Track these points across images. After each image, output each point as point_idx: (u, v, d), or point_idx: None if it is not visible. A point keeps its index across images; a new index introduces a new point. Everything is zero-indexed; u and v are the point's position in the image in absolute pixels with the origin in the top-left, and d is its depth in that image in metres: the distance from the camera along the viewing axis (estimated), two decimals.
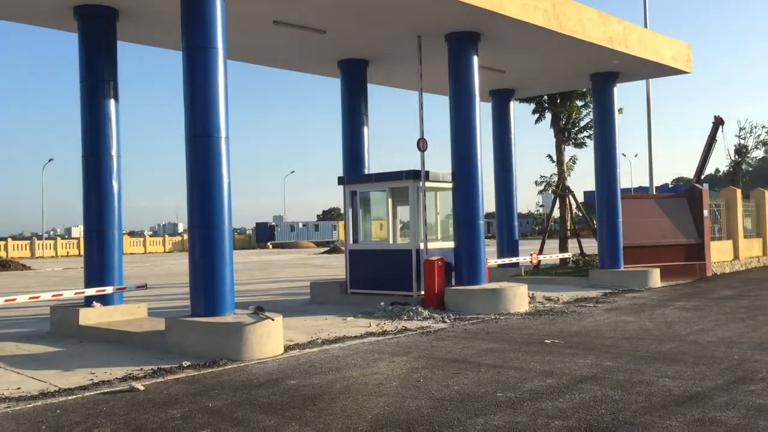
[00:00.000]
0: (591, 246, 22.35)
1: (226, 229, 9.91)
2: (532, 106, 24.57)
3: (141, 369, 8.50)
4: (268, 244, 71.40)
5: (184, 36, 10.01)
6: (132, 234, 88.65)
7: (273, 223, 76.91)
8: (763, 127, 51.94)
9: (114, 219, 11.67)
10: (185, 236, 69.19)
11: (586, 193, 46.41)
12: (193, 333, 9.46)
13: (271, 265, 34.76)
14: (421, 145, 13.95)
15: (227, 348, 9.08)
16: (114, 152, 11.67)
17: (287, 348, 9.73)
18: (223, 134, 9.90)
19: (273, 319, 9.43)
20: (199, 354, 9.15)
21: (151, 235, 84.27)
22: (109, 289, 11.45)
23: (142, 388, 7.50)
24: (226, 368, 8.53)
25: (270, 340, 9.34)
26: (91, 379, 8.00)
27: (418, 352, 9.32)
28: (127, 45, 13.73)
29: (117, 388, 7.57)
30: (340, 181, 15.66)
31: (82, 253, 18.51)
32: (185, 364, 8.68)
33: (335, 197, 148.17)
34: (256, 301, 14.93)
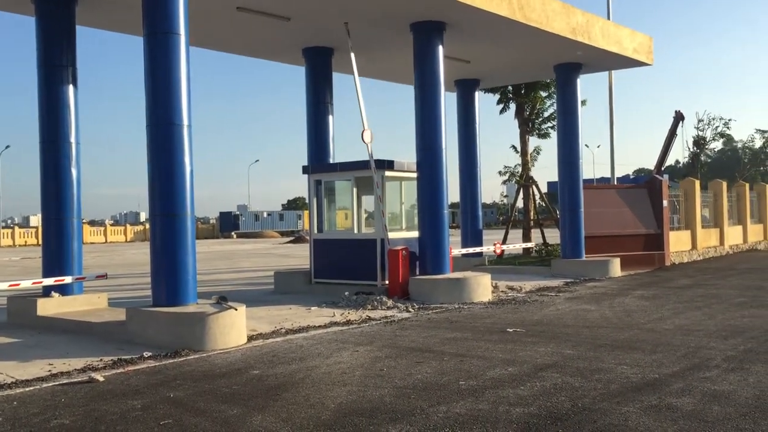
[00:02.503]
0: (554, 236, 22.61)
1: (188, 217, 9.79)
2: (497, 96, 24.69)
3: (101, 360, 8.37)
4: (232, 233, 70.81)
5: (146, 21, 9.83)
6: (92, 223, 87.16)
7: (237, 213, 76.28)
8: (721, 119, 52.98)
9: (73, 207, 11.45)
10: (147, 225, 68.21)
11: (550, 184, 46.92)
12: (155, 323, 9.35)
13: (235, 255, 34.50)
14: (365, 136, 13.70)
15: (189, 338, 8.99)
16: (73, 139, 11.44)
17: (250, 338, 9.68)
18: (185, 122, 9.76)
19: (236, 309, 9.37)
20: (160, 344, 9.04)
21: (112, 224, 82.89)
22: (68, 279, 11.25)
23: (101, 379, 7.39)
24: (188, 359, 8.45)
25: (233, 330, 9.28)
26: (50, 371, 7.86)
27: (382, 342, 9.34)
28: (89, 29, 13.44)
29: (76, 380, 7.45)
30: (305, 170, 15.58)
31: (40, 242, 18.13)
32: (146, 354, 8.57)
33: (300, 186, 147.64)
34: (219, 291, 14.81)
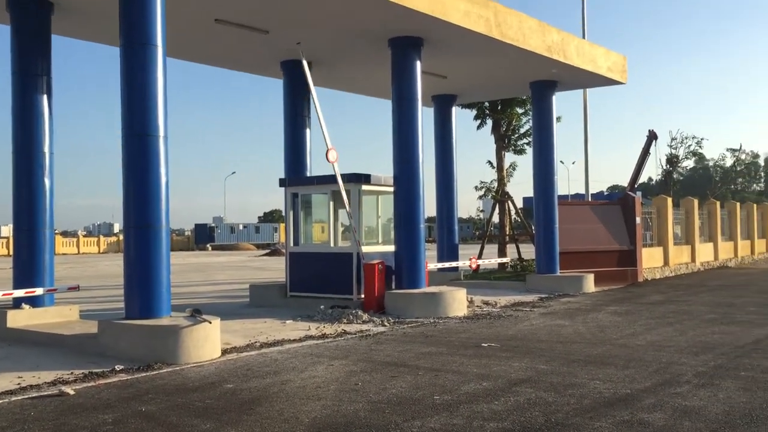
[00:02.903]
0: (529, 251, 22.77)
1: (163, 229, 9.72)
2: (474, 112, 24.91)
3: (72, 373, 8.25)
4: (208, 245, 70.27)
5: (122, 32, 9.79)
6: (65, 234, 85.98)
7: (213, 225, 75.76)
8: (693, 138, 53.85)
9: (45, 217, 11.31)
10: (121, 236, 67.57)
11: (525, 199, 47.24)
12: (127, 336, 9.24)
13: (209, 267, 34.24)
14: (329, 156, 13.54)
15: (162, 351, 8.90)
16: (46, 149, 11.31)
17: (224, 351, 9.60)
18: (161, 133, 9.71)
19: (210, 322, 9.30)
20: (133, 358, 8.94)
21: (84, 235, 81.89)
22: (39, 291, 11.08)
23: (72, 392, 7.28)
24: (160, 372, 8.36)
25: (207, 343, 9.20)
26: (19, 384, 7.73)
27: (357, 356, 9.33)
28: (64, 38, 13.34)
29: (46, 393, 7.33)
30: (282, 182, 15.55)
31: (11, 253, 17.85)
32: (118, 368, 8.47)
33: (277, 199, 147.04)
34: (193, 304, 14.66)
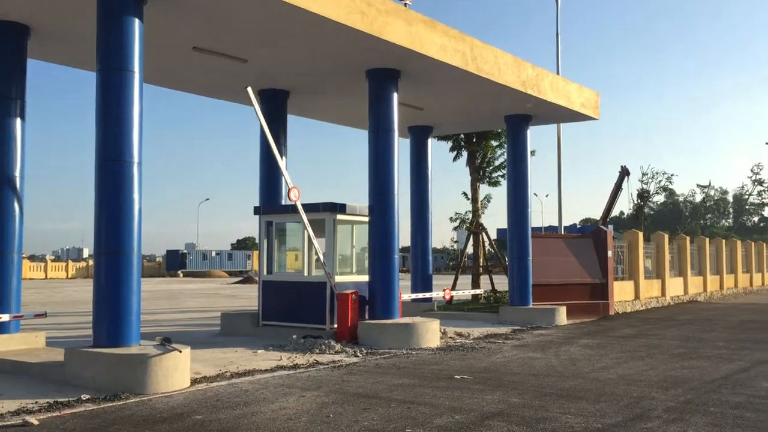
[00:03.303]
0: (502, 282, 22.86)
1: (135, 256, 9.61)
2: (450, 143, 25.13)
3: (36, 402, 8.06)
4: (179, 272, 69.50)
5: (99, 57, 9.76)
6: (32, 258, 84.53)
7: (185, 251, 74.93)
8: (664, 173, 54.82)
9: (14, 242, 11.12)
10: (90, 262, 66.54)
11: (500, 231, 47.51)
12: (95, 364, 9.06)
13: (181, 294, 33.82)
14: (291, 195, 13.37)
15: (130, 381, 8.74)
16: (17, 173, 11.17)
17: (194, 381, 9.46)
18: (135, 159, 9.65)
19: (180, 351, 9.16)
20: (100, 387, 8.76)
21: (53, 260, 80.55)
22: (5, 317, 10.84)
23: (36, 422, 7.11)
24: (128, 402, 8.20)
25: (176, 372, 9.06)
26: None
27: (329, 387, 9.24)
28: (36, 61, 13.25)
29: (9, 423, 7.14)
30: (256, 210, 15.49)
31: None
32: (84, 397, 8.29)
33: (251, 226, 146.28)
34: (163, 332, 14.46)
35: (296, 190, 12.58)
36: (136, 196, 9.63)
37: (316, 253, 13.83)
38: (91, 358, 9.14)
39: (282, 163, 12.76)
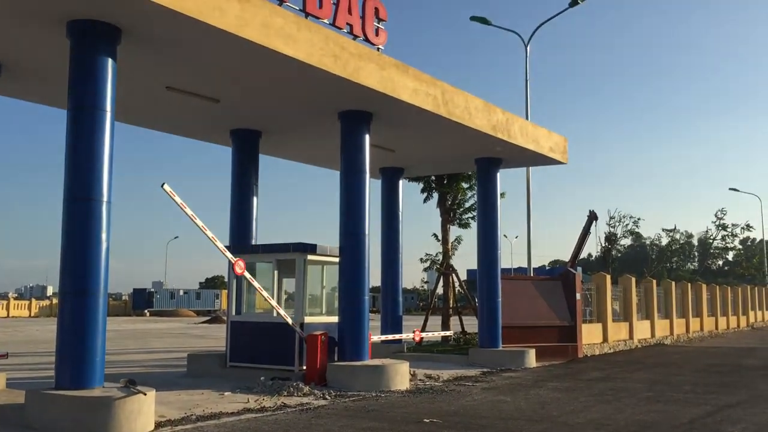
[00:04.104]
0: (472, 324, 22.86)
1: (101, 296, 9.47)
2: (421, 185, 25.32)
3: None
4: (146, 311, 68.35)
5: (72, 96, 9.75)
6: None
7: (152, 290, 73.86)
8: (631, 217, 55.82)
9: None
10: (55, 300, 65.14)
11: (470, 272, 47.70)
12: (57, 407, 8.84)
13: (147, 334, 33.22)
14: (236, 268, 12.75)
15: (93, 424, 8.54)
16: None
17: (158, 425, 9.26)
18: (105, 198, 9.59)
19: (145, 394, 8.99)
20: (61, 430, 8.53)
21: (15, 298, 78.74)
22: None
23: None
24: None
25: (140, 416, 8.87)
26: None
27: (296, 431, 9.11)
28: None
29: None
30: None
31: None
32: None
33: (220, 265, 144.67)
34: (128, 373, 14.16)
35: (240, 262, 12.47)
36: (104, 235, 9.54)
37: (268, 299, 13.57)
38: (52, 400, 8.92)
39: (218, 243, 12.53)
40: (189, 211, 11.40)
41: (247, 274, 12.95)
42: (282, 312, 13.52)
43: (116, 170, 9.85)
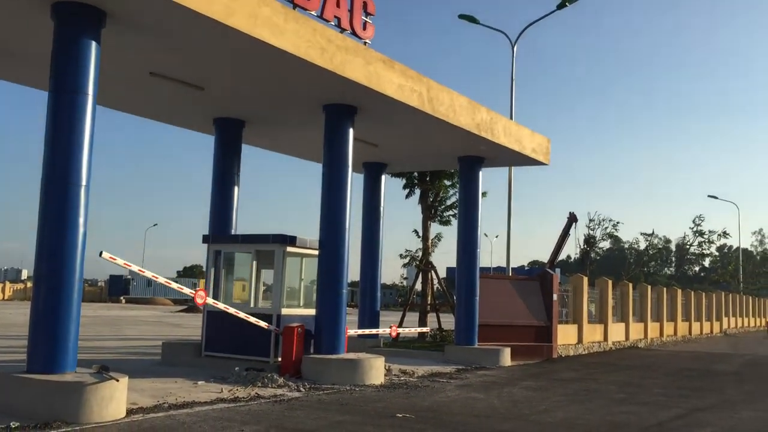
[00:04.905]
0: (449, 321, 22.96)
1: (76, 281, 9.40)
2: (403, 181, 25.36)
3: None
4: (122, 298, 67.86)
5: (53, 78, 9.65)
6: None
7: (128, 276, 73.32)
8: (610, 220, 56.23)
9: None
10: (29, 284, 64.48)
11: (449, 269, 47.90)
12: (27, 391, 8.77)
13: (122, 321, 33.00)
14: (198, 298, 12.24)
15: (63, 409, 8.48)
16: None
17: (130, 412, 9.21)
18: (83, 182, 9.50)
19: (117, 380, 8.94)
20: (31, 415, 8.46)
21: None
22: None
23: None
24: (58, 431, 7.94)
25: (112, 402, 8.82)
26: None
27: (269, 422, 9.11)
28: None
29: None
30: (205, 239, 15.32)
31: None
32: (13, 425, 8.00)
33: (198, 254, 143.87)
34: (101, 360, 14.07)
35: (201, 293, 12.32)
36: (81, 219, 9.46)
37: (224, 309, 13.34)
38: (23, 384, 8.85)
39: (173, 284, 12.34)
40: (135, 267, 11.34)
41: (210, 300, 12.89)
42: (253, 320, 13.42)
43: (97, 155, 9.77)
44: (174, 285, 12.69)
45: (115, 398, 8.87)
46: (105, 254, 10.07)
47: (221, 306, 13.21)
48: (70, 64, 9.58)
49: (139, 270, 11.38)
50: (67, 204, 9.34)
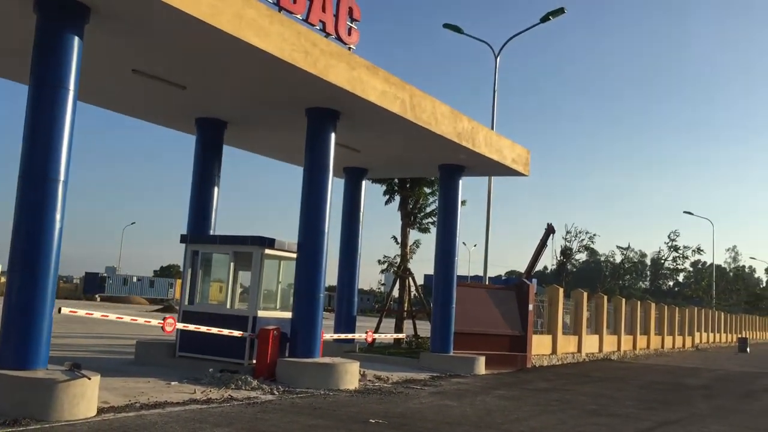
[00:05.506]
0: (425, 328, 23.01)
1: (51, 276, 9.32)
2: (384, 187, 25.41)
3: None
4: (97, 296, 67.14)
5: (34, 71, 9.58)
6: None
7: (105, 274, 72.61)
8: (587, 233, 56.65)
9: None
10: (3, 278, 63.56)
11: (426, 276, 47.98)
12: None
13: (96, 319, 32.61)
14: (166, 327, 11.93)
15: (33, 406, 8.39)
16: None
17: (101, 410, 9.14)
18: (62, 177, 9.44)
19: (89, 378, 8.87)
20: (2, 411, 8.36)
21: None
22: None
23: None
24: (28, 429, 7.87)
25: (83, 400, 8.75)
26: None
27: (241, 424, 9.08)
28: None
29: None
30: (183, 239, 15.25)
31: None
32: None
33: (176, 254, 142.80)
34: (74, 357, 13.92)
35: (170, 320, 12.23)
36: (58, 215, 9.38)
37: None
38: None
39: (140, 320, 12.42)
40: (97, 314, 11.31)
41: (180, 326, 12.86)
42: (227, 332, 13.39)
43: (77, 151, 9.71)
44: (141, 320, 12.70)
45: (86, 396, 8.80)
46: (65, 309, 10.05)
47: (191, 328, 13.21)
48: (52, 57, 9.52)
49: (102, 315, 11.44)
50: (44, 199, 9.26)
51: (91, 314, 11.09)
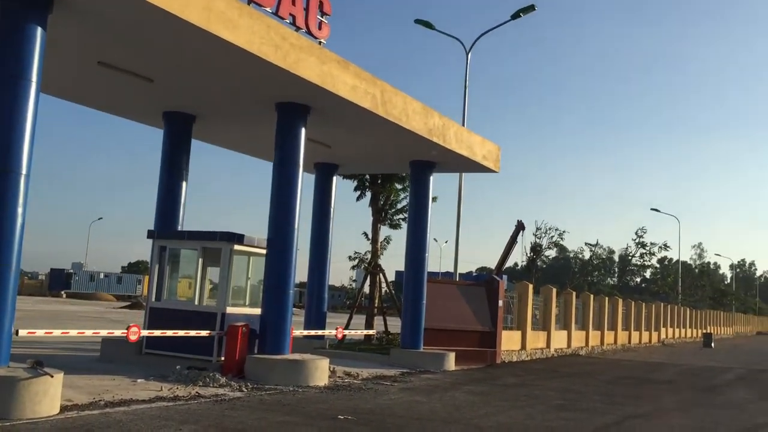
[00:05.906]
0: (396, 324, 23.02)
1: (12, 272, 9.12)
2: (355, 183, 25.35)
3: None
4: (62, 292, 66.10)
5: None
6: None
7: (71, 271, 71.48)
8: (557, 229, 57.18)
9: None
10: None
11: (397, 273, 48.04)
12: None
13: (62, 316, 32.12)
14: (131, 335, 11.67)
15: None
16: None
17: (64, 408, 8.97)
18: (24, 171, 9.23)
19: (52, 376, 8.69)
20: None
21: None
22: None
23: None
24: None
25: (46, 398, 8.58)
26: None
27: (208, 421, 8.98)
28: None
29: None
30: (150, 234, 15.04)
31: None
32: None
33: (144, 250, 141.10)
34: (37, 354, 13.64)
35: (134, 328, 12.04)
36: (20, 210, 9.18)
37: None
38: None
39: (113, 333, 12.38)
40: (58, 331, 11.26)
41: (144, 332, 12.74)
42: (194, 333, 13.27)
43: (43, 144, 9.50)
44: (103, 332, 12.62)
45: (49, 394, 8.63)
46: (22, 332, 9.84)
47: (157, 333, 13.07)
48: (14, 48, 9.30)
49: (63, 332, 11.46)
50: (5, 192, 9.05)
51: (51, 332, 10.95)
